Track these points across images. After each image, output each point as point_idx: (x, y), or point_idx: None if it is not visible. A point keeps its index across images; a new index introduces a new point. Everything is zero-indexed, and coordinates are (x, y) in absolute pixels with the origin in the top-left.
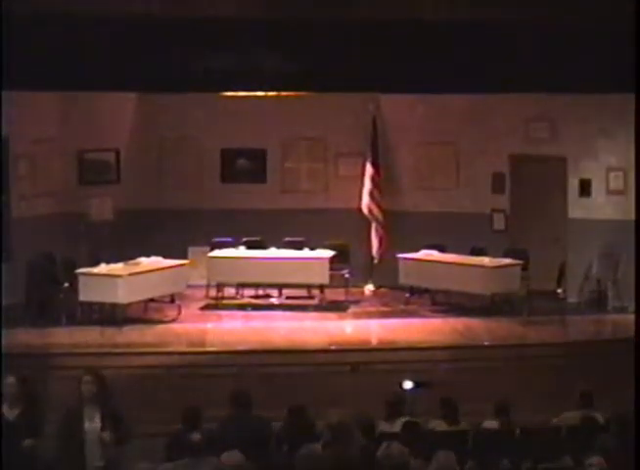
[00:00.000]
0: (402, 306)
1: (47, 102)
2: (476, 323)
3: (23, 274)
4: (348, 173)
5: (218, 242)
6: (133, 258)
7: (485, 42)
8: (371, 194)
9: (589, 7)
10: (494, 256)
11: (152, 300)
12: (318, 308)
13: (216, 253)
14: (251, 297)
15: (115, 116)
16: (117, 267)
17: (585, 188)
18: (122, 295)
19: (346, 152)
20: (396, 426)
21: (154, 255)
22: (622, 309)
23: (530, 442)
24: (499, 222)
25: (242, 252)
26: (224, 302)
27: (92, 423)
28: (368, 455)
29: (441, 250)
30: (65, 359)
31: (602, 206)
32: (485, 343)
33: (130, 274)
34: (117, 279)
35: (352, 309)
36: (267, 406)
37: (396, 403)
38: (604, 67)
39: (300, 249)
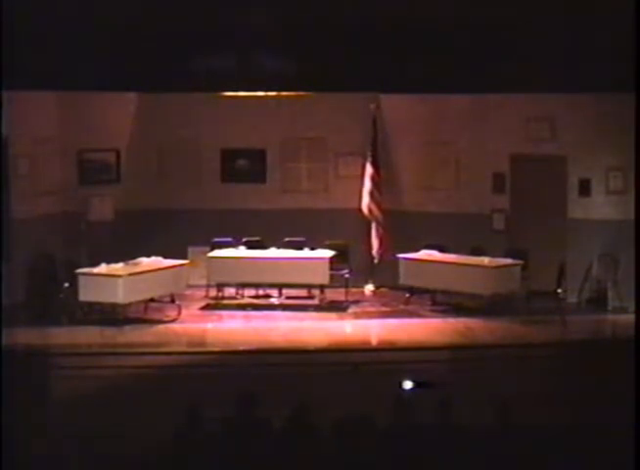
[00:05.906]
0: (402, 306)
1: (47, 102)
2: (476, 323)
3: (23, 274)
4: (348, 173)
5: (218, 242)
6: (133, 258)
7: (485, 42)
8: (371, 194)
9: (589, 7)
10: (494, 256)
11: (152, 300)
12: (318, 308)
13: (216, 253)
14: (252, 297)
15: (115, 116)
16: (117, 267)
17: (585, 188)
18: (122, 295)
19: (346, 152)
20: (394, 425)
21: (154, 255)
22: (622, 309)
23: (530, 442)
24: (499, 222)
25: (242, 252)
26: (224, 302)
27: None
28: (367, 455)
29: (441, 250)
30: (65, 359)
31: (602, 206)
32: (485, 343)
33: (130, 274)
34: (117, 279)
35: (352, 309)
36: (267, 406)
37: (397, 403)
38: (604, 67)
39: (300, 249)
